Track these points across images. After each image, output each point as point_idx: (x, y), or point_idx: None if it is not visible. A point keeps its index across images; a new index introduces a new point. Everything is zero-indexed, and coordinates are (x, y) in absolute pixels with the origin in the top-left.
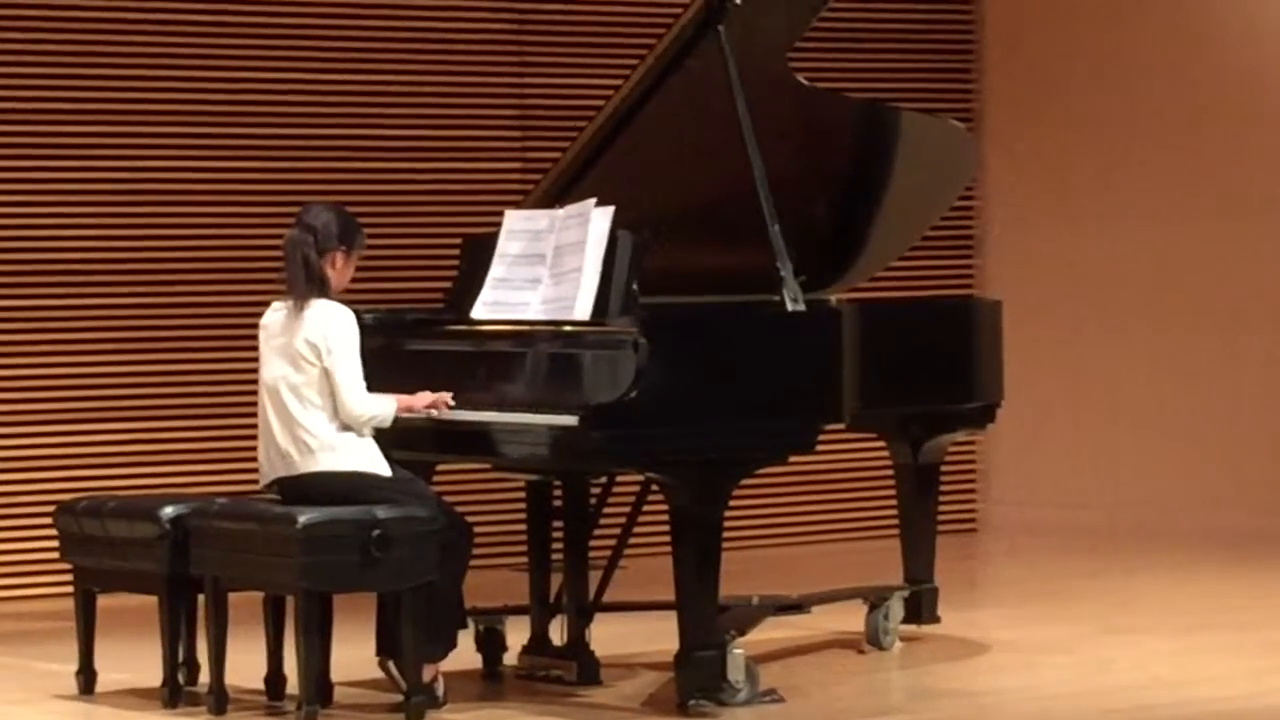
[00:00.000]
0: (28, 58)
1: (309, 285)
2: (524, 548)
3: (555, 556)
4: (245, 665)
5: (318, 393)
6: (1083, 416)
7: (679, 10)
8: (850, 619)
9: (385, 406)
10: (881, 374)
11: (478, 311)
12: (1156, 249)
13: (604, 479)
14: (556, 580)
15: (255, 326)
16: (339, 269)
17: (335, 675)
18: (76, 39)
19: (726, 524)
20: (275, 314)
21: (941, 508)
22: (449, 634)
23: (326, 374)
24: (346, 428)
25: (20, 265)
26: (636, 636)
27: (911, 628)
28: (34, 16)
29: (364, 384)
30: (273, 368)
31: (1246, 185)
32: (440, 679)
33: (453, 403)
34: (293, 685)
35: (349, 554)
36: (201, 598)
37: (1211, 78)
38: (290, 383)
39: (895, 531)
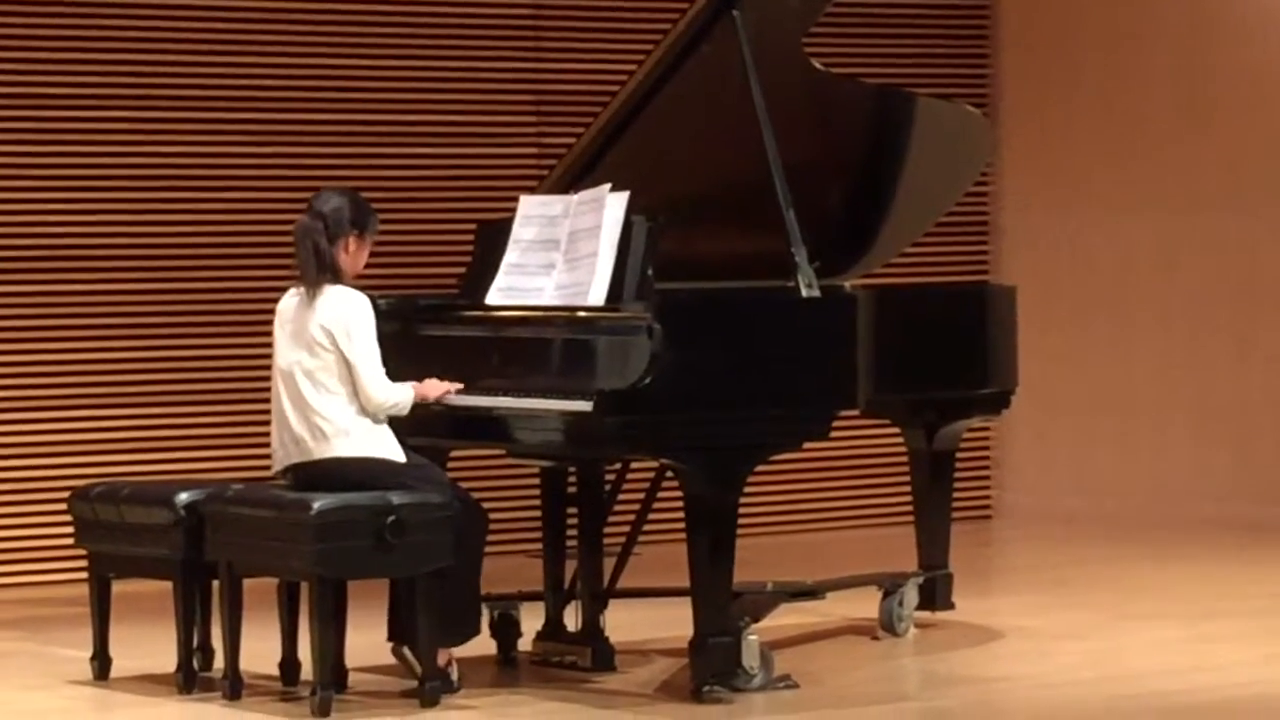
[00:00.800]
0: (38, 41)
1: (320, 273)
2: (538, 534)
3: (570, 542)
4: (260, 651)
5: (333, 378)
6: (1096, 404)
7: None
8: (865, 605)
9: (404, 394)
10: (896, 360)
11: (492, 297)
12: (1169, 237)
13: (618, 465)
14: (571, 566)
15: (269, 311)
16: (353, 253)
17: (349, 661)
18: (87, 22)
19: (741, 510)
20: (291, 299)
21: (956, 494)
22: (468, 620)
23: (344, 360)
24: (362, 414)
25: (34, 250)
26: (651, 623)
27: (926, 614)
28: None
29: (384, 371)
30: (287, 353)
31: (1260, 175)
32: (454, 664)
33: (459, 388)
34: (307, 671)
35: (363, 540)
36: (216, 583)
37: (1224, 66)
38: (305, 368)
39: (910, 518)
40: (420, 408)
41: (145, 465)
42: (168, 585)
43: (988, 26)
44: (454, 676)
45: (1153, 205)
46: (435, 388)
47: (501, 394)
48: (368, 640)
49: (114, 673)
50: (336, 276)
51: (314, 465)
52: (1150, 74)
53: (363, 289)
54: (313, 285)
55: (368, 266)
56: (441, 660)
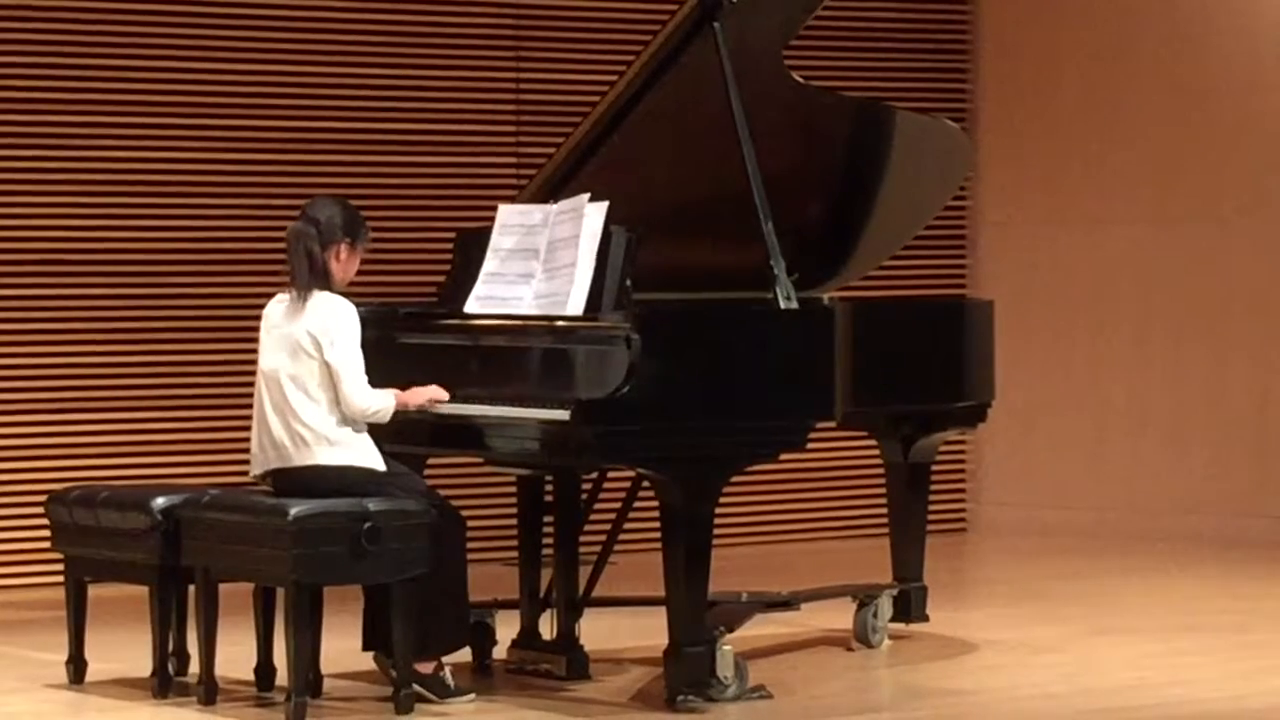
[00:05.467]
0: (18, 45)
1: (311, 277)
2: (515, 542)
3: (546, 551)
4: (235, 656)
5: (317, 385)
6: (1072, 417)
7: (675, 7)
8: (839, 617)
9: (386, 401)
10: (873, 373)
11: (471, 306)
12: (1145, 251)
13: (595, 474)
14: (547, 575)
15: (248, 317)
16: (344, 262)
17: (325, 667)
18: (69, 26)
19: (717, 520)
20: (278, 304)
21: (931, 507)
22: (453, 631)
23: (328, 367)
24: (345, 421)
25: (12, 255)
26: (626, 632)
27: (900, 626)
28: (25, 3)
29: (366, 378)
30: (272, 358)
31: (1237, 189)
32: (446, 669)
33: (446, 398)
34: (282, 677)
35: (340, 546)
36: (192, 588)
37: (1201, 82)
38: (290, 373)
39: (885, 530)
40: (398, 414)
41: (122, 470)
42: (144, 590)
43: (967, 41)
44: (449, 681)
45: (1130, 219)
46: (418, 395)
47: (479, 402)
48: (343, 646)
49: (89, 676)
50: (327, 283)
51: (294, 471)
52: (1128, 89)
53: (343, 296)
54: (304, 290)
55: None
56: (429, 668)
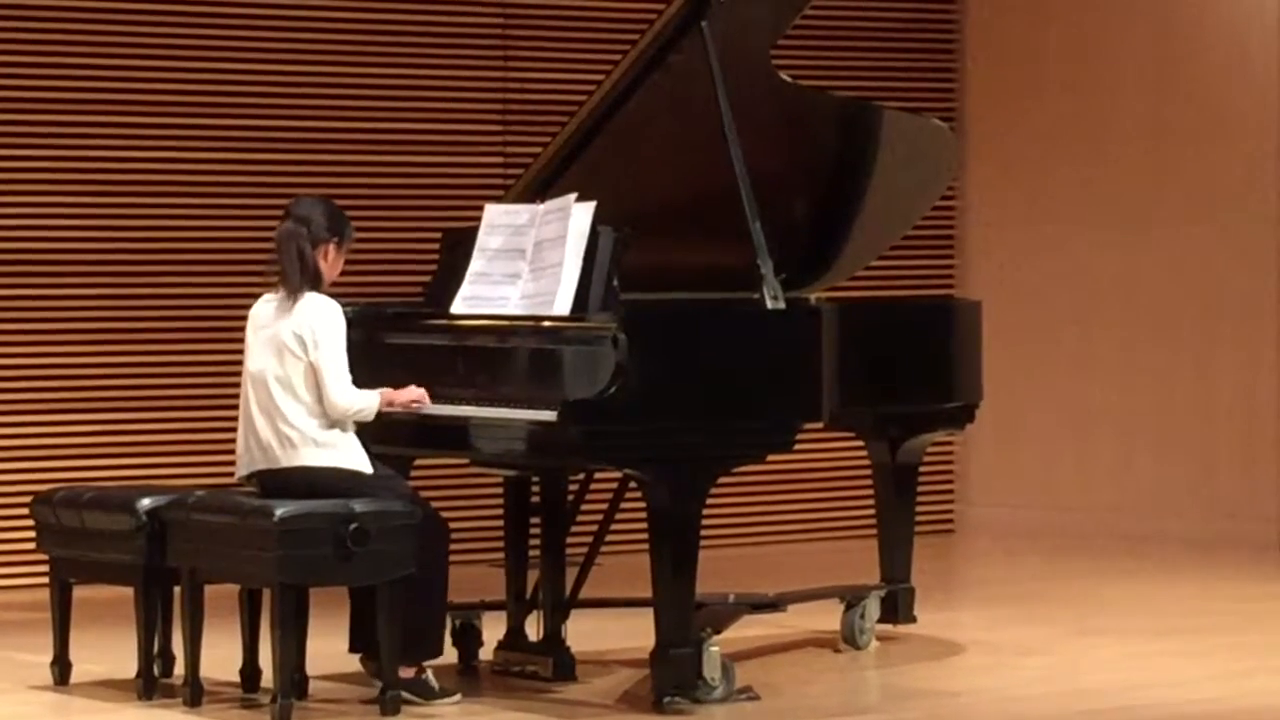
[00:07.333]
0: (9, 45)
1: (303, 277)
2: (501, 543)
3: (532, 552)
4: (220, 657)
5: (303, 386)
6: (1059, 419)
7: (663, 6)
8: (826, 618)
9: (369, 400)
10: (860, 373)
11: (457, 306)
12: (1133, 252)
13: (582, 475)
14: (533, 576)
15: (234, 318)
16: (330, 261)
17: (310, 668)
18: (56, 27)
19: (704, 522)
20: (265, 305)
21: (919, 508)
22: (432, 640)
23: (313, 367)
24: (331, 423)
25: None
26: (613, 633)
27: (887, 627)
28: (11, 4)
29: (349, 378)
30: (259, 359)
31: (1222, 190)
32: (429, 672)
33: (428, 400)
34: (268, 678)
35: (325, 547)
36: (178, 590)
37: (1188, 84)
38: (276, 374)
39: (872, 531)
40: (384, 415)
41: (107, 471)
42: (129, 591)
43: (955, 41)
44: (433, 683)
45: (1117, 220)
46: (404, 394)
47: (466, 403)
48: (329, 648)
49: (74, 678)
50: (317, 283)
51: (280, 473)
52: (1115, 90)
53: (329, 296)
54: (294, 290)
55: None
56: (410, 672)
